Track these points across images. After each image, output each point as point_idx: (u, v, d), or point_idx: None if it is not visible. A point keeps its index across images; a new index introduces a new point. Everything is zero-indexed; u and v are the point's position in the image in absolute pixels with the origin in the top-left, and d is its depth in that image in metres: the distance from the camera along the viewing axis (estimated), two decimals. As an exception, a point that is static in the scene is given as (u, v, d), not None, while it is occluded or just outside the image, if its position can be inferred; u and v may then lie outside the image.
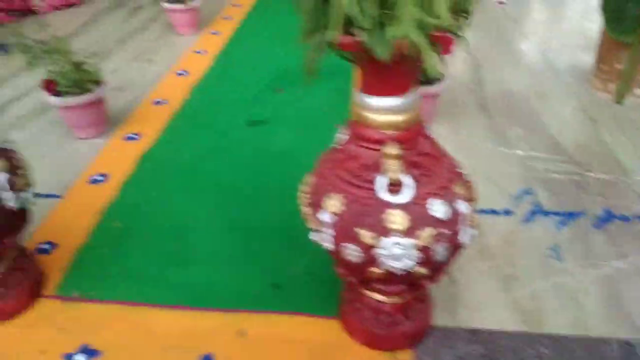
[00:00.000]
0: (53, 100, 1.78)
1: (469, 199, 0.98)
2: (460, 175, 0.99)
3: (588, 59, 2.55)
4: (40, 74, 1.82)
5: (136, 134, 1.97)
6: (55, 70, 1.76)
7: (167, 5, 2.84)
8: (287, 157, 1.85)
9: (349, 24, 0.76)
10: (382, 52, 0.74)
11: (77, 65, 1.78)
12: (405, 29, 0.73)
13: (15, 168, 1.12)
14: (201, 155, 1.87)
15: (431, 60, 0.77)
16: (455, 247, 0.96)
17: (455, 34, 0.79)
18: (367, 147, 0.92)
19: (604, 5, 2.09)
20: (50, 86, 1.79)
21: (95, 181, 1.71)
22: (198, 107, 2.21)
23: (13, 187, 1.10)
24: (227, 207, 1.60)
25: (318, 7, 0.78)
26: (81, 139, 1.95)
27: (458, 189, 0.95)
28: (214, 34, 2.99)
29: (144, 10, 3.43)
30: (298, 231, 1.48)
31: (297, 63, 2.52)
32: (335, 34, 0.75)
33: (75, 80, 1.74)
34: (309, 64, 0.83)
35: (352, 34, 0.76)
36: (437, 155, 0.96)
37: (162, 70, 2.53)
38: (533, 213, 1.60)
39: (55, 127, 2.03)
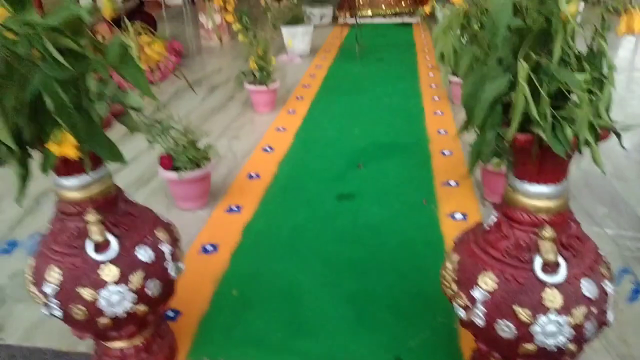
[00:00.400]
0: (169, 175, 1.94)
1: (610, 279, 1.04)
2: (602, 256, 1.05)
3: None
4: (143, 140, 1.96)
5: (237, 207, 2.10)
6: (173, 147, 1.93)
7: (250, 86, 3.08)
8: (378, 230, 1.94)
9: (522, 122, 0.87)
10: (560, 149, 0.84)
11: (193, 143, 1.94)
12: (580, 129, 0.83)
13: (175, 240, 1.24)
14: (298, 226, 1.98)
15: (598, 155, 0.87)
16: (601, 324, 1.01)
17: (613, 131, 0.89)
18: (521, 229, 1.00)
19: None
20: (166, 162, 1.95)
21: (206, 251, 1.82)
22: (287, 181, 2.35)
23: (173, 257, 1.21)
24: (335, 277, 1.68)
25: (491, 107, 0.90)
26: (184, 209, 2.09)
27: (603, 270, 1.02)
28: (290, 112, 3.20)
29: (221, 89, 3.71)
30: (411, 304, 1.55)
31: (370, 140, 2.69)
32: (513, 132, 0.86)
33: (192, 158, 1.90)
34: (480, 154, 0.93)
35: (526, 131, 0.87)
36: (583, 238, 1.03)
37: (249, 146, 2.71)
38: (636, 292, 1.62)
39: (159, 196, 2.19)
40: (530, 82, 0.84)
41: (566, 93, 0.88)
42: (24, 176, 0.89)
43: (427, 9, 6.07)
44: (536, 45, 0.87)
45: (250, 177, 2.37)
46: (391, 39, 5.34)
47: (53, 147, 0.80)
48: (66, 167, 0.98)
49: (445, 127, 2.89)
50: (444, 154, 2.57)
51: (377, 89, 3.70)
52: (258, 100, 3.15)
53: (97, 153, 0.88)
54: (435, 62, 4.24)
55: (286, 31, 4.39)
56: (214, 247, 1.84)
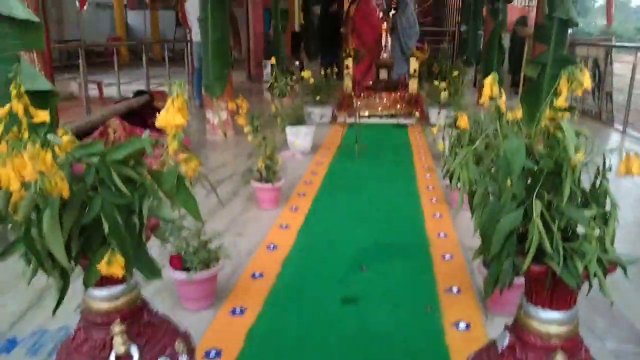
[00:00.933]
0: (178, 275, 1.96)
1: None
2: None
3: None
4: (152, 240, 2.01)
5: (241, 309, 2.10)
6: (184, 248, 1.97)
7: (257, 184, 3.18)
8: (383, 338, 1.94)
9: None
10: (572, 282, 0.90)
11: (205, 244, 1.99)
12: (590, 263, 0.90)
13: (191, 351, 1.25)
14: (302, 332, 1.97)
15: (605, 288, 0.94)
16: None
17: (620, 265, 0.96)
18: (534, 353, 1.03)
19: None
20: (176, 262, 1.99)
21: (209, 356, 1.80)
22: (291, 282, 2.36)
23: (189, 367, 1.22)
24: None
25: (507, 238, 0.97)
26: (189, 310, 2.08)
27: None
28: (293, 209, 3.29)
29: (225, 185, 3.81)
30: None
31: (372, 240, 2.75)
32: (528, 263, 0.93)
33: (203, 259, 1.94)
34: (498, 282, 0.99)
35: (540, 262, 0.94)
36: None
37: (254, 243, 2.75)
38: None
39: (164, 296, 2.19)
40: (542, 218, 0.92)
41: (575, 228, 0.97)
42: (64, 289, 0.92)
43: (419, 112, 6.44)
44: (547, 184, 0.96)
45: (254, 276, 2.39)
46: (388, 139, 5.59)
47: (102, 267, 0.85)
48: (101, 280, 1.02)
49: (444, 230, 2.97)
50: (444, 257, 2.62)
51: (377, 187, 3.83)
52: (263, 197, 3.25)
53: (141, 271, 0.93)
54: (431, 164, 4.42)
55: (290, 130, 4.60)
56: (218, 353, 1.82)
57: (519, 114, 1.46)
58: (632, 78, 5.85)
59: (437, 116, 5.70)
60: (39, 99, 2.46)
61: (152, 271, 0.93)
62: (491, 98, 1.17)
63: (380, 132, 5.96)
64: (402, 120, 6.49)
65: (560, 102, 0.99)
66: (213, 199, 3.50)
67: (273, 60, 4.09)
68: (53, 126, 2.52)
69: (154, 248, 2.15)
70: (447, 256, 2.63)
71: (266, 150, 3.10)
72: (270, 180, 3.14)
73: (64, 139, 0.91)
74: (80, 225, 0.82)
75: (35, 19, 2.46)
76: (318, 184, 3.88)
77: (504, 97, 1.14)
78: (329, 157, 4.71)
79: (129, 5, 15.82)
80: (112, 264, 0.84)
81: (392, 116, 6.63)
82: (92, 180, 0.79)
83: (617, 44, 6.98)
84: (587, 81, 0.98)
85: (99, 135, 4.18)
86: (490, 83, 1.10)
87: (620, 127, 6.06)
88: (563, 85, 1.02)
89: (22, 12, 2.40)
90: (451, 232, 2.95)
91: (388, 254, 2.69)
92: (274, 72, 3.89)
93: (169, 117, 0.86)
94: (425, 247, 2.76)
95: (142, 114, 5.02)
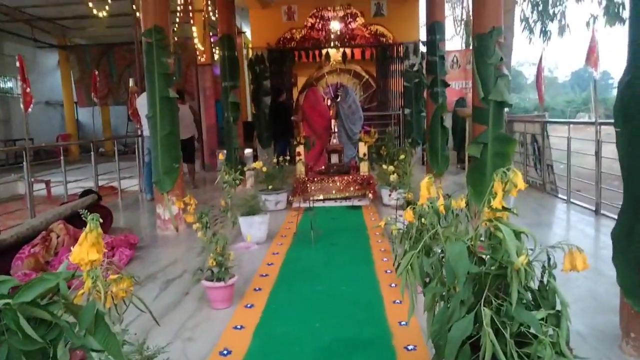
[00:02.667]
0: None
1: None
2: None
3: (607, 321, 2.69)
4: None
5: None
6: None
7: (207, 283, 3.05)
8: None
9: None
10: (533, 394, 0.85)
11: (149, 361, 1.83)
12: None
13: None
14: None
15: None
16: None
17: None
18: None
19: (621, 279, 2.34)
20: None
21: None
22: (247, 392, 2.20)
23: None
24: None
25: (460, 347, 0.92)
26: None
27: None
28: (248, 307, 3.14)
29: (176, 284, 3.64)
30: None
31: (333, 336, 2.63)
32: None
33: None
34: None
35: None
36: None
37: (205, 349, 2.57)
38: None
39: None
40: (494, 324, 0.88)
41: (527, 331, 0.93)
42: None
43: (372, 194, 6.54)
44: (494, 286, 0.93)
45: (207, 389, 2.21)
46: (343, 222, 5.59)
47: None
48: None
49: (405, 318, 2.89)
50: (407, 349, 2.52)
51: (334, 276, 3.75)
52: (215, 297, 3.09)
53: None
54: (387, 247, 4.40)
55: (244, 221, 4.53)
56: None
57: (462, 203, 1.47)
58: (569, 150, 6.20)
59: (389, 197, 5.80)
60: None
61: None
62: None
63: (335, 215, 5.97)
64: (356, 202, 6.56)
65: (496, 204, 0.99)
66: (163, 300, 3.33)
67: (221, 156, 4.08)
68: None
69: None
70: (410, 347, 2.54)
71: (217, 246, 3.00)
72: (222, 278, 3.01)
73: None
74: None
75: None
76: (274, 276, 3.76)
77: (441, 199, 1.14)
78: (285, 245, 4.63)
79: (80, 103, 15.85)
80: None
81: (346, 198, 6.70)
82: (-5, 327, 0.70)
83: (551, 119, 7.46)
84: (520, 182, 0.99)
85: (41, 240, 3.97)
86: (426, 185, 1.09)
87: (565, 197, 6.31)
88: (497, 187, 1.02)
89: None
90: (412, 319, 2.87)
91: (351, 350, 2.57)
92: (222, 167, 3.87)
93: (83, 252, 0.79)
94: (388, 339, 2.66)
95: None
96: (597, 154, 5.50)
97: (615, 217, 2.47)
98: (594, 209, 5.54)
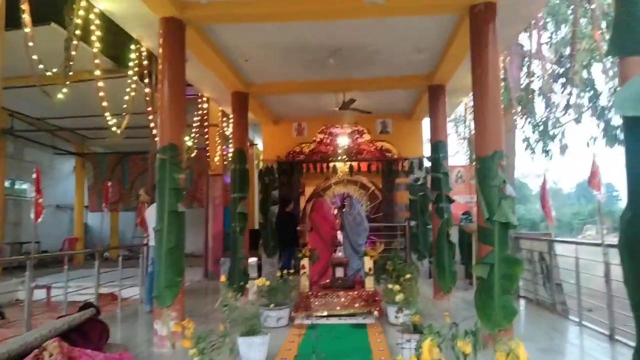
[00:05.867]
0: None
1: None
2: None
3: None
4: None
5: None
6: None
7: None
8: None
9: None
10: None
11: None
12: None
13: None
14: None
15: None
16: None
17: None
18: None
19: None
20: None
21: None
22: None
23: None
24: None
25: None
26: None
27: None
28: None
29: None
30: None
31: None
32: None
33: None
34: None
35: None
36: None
37: None
38: None
39: None
40: None
41: None
42: None
43: (378, 311, 6.35)
44: None
45: None
46: (347, 344, 5.36)
47: None
48: None
49: None
50: None
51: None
52: None
53: None
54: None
55: (243, 342, 4.37)
56: None
57: (467, 348, 1.42)
58: (577, 272, 6.09)
59: (395, 318, 5.63)
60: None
61: None
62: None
63: (339, 334, 5.75)
64: (361, 320, 6.34)
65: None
66: None
67: (223, 278, 4.05)
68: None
69: None
70: None
71: (214, 374, 2.86)
72: (217, 410, 2.84)
73: None
74: None
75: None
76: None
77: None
78: (285, 369, 4.41)
79: (90, 207, 16.14)
80: None
81: (351, 315, 6.49)
82: None
83: (557, 239, 7.43)
84: (523, 355, 0.96)
85: (33, 358, 3.82)
86: (428, 347, 1.07)
87: (577, 319, 6.09)
88: (499, 357, 0.99)
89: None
90: None
91: None
92: (224, 291, 3.82)
93: None
94: None
95: (85, 328, 4.71)
96: (607, 276, 5.39)
97: (630, 343, 2.36)
98: (608, 333, 5.31)
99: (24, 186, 16.69)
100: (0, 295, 9.29)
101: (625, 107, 2.20)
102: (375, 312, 6.38)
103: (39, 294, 9.36)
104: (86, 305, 5.20)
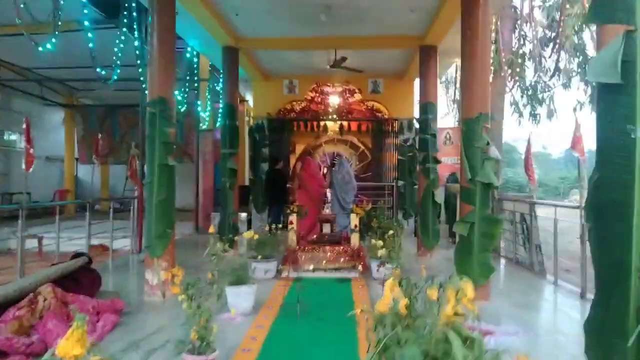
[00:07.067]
0: None
1: None
2: None
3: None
4: None
5: None
6: None
7: (188, 357, 3.05)
8: None
9: None
10: None
11: None
12: None
13: None
14: None
15: None
16: None
17: None
18: None
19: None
20: None
21: None
22: None
23: None
24: None
25: None
26: None
27: None
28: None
29: (158, 355, 3.61)
30: None
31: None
32: None
33: None
34: None
35: None
36: None
37: None
38: None
39: None
40: None
41: None
42: None
43: (362, 266, 6.58)
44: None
45: None
46: (331, 296, 5.59)
47: None
48: None
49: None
50: None
51: (317, 354, 3.73)
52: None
53: None
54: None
55: (231, 291, 4.55)
56: None
57: (433, 294, 1.56)
58: (555, 232, 6.32)
59: (376, 271, 5.86)
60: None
61: None
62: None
63: (324, 287, 5.98)
64: (345, 274, 6.58)
65: (448, 311, 1.09)
66: (143, 372, 3.30)
67: (212, 229, 4.18)
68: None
69: None
70: None
71: (201, 319, 3.03)
72: (204, 352, 3.03)
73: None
74: None
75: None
76: (256, 351, 3.75)
77: (404, 301, 1.23)
78: (270, 318, 4.63)
79: (81, 159, 16.13)
80: None
81: (336, 269, 6.71)
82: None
83: (537, 200, 7.63)
84: (470, 292, 1.09)
85: (27, 303, 3.98)
86: (390, 286, 1.20)
87: (552, 278, 6.36)
88: (450, 295, 1.12)
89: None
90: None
91: None
92: (212, 242, 3.97)
93: (69, 347, 0.88)
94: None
95: (77, 276, 4.87)
96: (582, 237, 5.61)
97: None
98: (579, 292, 5.58)
99: (13, 137, 16.60)
100: (-7, 243, 9.43)
101: (598, 73, 2.30)
102: (360, 267, 6.61)
103: (31, 244, 9.51)
104: (78, 254, 5.34)
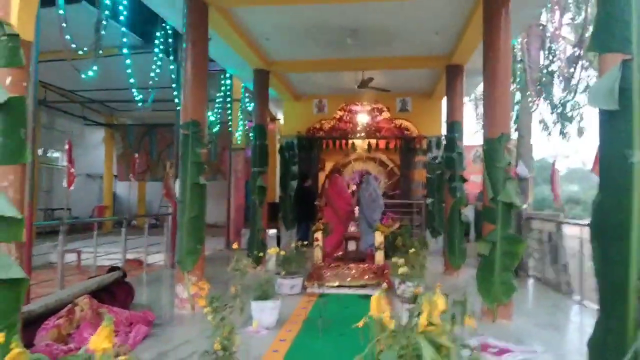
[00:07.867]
0: None
1: None
2: None
3: None
4: None
5: None
6: None
7: (212, 366, 3.23)
8: None
9: None
10: None
11: None
12: None
13: None
14: None
15: None
16: None
17: None
18: None
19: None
20: None
21: None
22: None
23: None
24: None
25: None
26: None
27: None
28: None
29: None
30: None
31: None
32: None
33: None
34: None
35: None
36: None
37: None
38: None
39: None
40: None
41: None
42: None
43: (387, 283, 6.66)
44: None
45: None
46: (354, 312, 5.68)
47: None
48: None
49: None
50: None
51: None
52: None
53: None
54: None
55: (256, 305, 4.73)
56: None
57: (441, 303, 1.70)
58: (581, 252, 6.27)
59: (397, 289, 5.95)
60: (11, 283, 2.67)
61: None
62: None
63: (347, 303, 6.09)
64: (369, 291, 6.67)
65: (422, 321, 1.23)
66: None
67: (236, 245, 4.38)
68: (14, 323, 2.68)
69: None
70: None
71: (224, 330, 3.21)
72: (226, 362, 3.20)
73: (12, 351, 1.10)
74: None
75: (19, 215, 2.78)
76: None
77: (387, 312, 1.38)
78: (293, 332, 4.78)
79: (119, 177, 16.77)
80: None
81: (360, 287, 6.82)
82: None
83: (563, 220, 7.57)
84: (441, 304, 1.23)
85: (66, 313, 4.26)
86: (376, 300, 1.35)
87: (579, 298, 6.29)
88: (425, 306, 1.27)
89: (8, 209, 2.73)
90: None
91: None
92: (235, 258, 4.17)
93: (99, 341, 1.07)
94: None
95: (112, 289, 5.16)
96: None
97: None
98: (607, 313, 5.51)
99: (56, 154, 17.41)
100: (35, 257, 9.94)
101: (597, 100, 2.40)
102: (384, 284, 6.69)
103: (70, 258, 9.98)
104: (113, 268, 5.65)
